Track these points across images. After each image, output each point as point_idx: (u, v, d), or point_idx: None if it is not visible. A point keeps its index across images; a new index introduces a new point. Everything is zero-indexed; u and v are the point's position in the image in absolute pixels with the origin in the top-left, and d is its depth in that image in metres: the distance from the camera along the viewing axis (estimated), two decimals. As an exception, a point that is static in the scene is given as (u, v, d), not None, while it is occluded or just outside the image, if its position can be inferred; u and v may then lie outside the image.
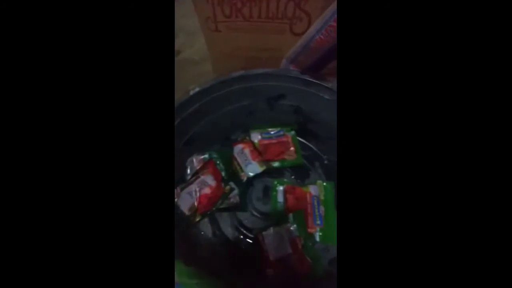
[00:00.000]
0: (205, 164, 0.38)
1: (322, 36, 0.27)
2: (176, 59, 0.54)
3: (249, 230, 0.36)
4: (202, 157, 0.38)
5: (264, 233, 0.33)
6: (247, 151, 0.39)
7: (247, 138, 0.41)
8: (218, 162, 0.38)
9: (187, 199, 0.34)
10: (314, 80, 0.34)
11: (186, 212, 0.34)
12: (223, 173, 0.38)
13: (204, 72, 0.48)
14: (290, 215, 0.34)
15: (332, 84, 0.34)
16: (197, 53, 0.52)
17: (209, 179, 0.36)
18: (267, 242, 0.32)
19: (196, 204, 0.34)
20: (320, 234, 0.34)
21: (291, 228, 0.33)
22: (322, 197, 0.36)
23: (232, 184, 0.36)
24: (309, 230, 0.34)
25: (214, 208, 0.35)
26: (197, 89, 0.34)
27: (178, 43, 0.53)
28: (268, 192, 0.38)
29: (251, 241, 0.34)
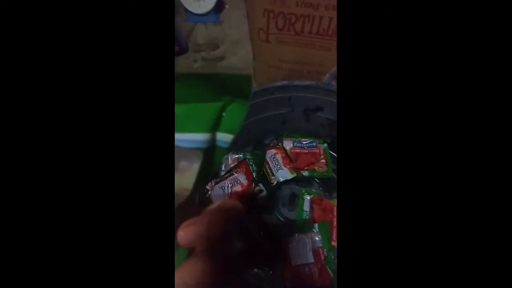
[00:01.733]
0: (239, 164, 0.40)
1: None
2: (218, 64, 0.58)
3: (272, 233, 0.37)
4: (237, 156, 0.41)
5: (289, 238, 0.33)
6: (279, 156, 0.40)
7: (280, 144, 0.43)
8: (251, 163, 0.40)
9: (219, 192, 0.37)
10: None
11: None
12: (254, 174, 0.40)
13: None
14: (316, 225, 0.34)
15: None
16: (240, 61, 0.55)
17: (242, 178, 0.38)
18: (290, 247, 0.33)
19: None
20: (344, 249, 0.34)
21: (316, 238, 0.33)
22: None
23: (261, 185, 0.38)
24: (333, 243, 0.34)
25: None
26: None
27: (223, 49, 0.57)
28: (294, 199, 0.39)
29: (274, 244, 0.35)
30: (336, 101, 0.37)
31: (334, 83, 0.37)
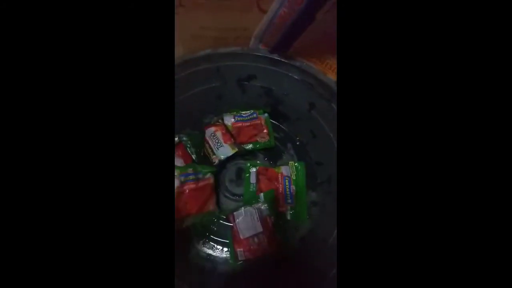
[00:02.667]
0: (175, 147, 0.37)
1: (285, 9, 0.26)
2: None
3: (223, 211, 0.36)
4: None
5: (235, 213, 0.33)
6: (219, 134, 0.38)
7: (220, 121, 0.41)
8: (188, 145, 0.38)
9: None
10: (282, 60, 0.34)
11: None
12: (193, 156, 0.37)
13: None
14: (261, 194, 0.34)
15: (301, 63, 0.34)
16: None
17: (179, 163, 0.35)
18: (237, 222, 0.32)
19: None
20: (291, 212, 0.35)
21: (262, 208, 0.33)
22: (293, 177, 0.37)
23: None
24: (280, 209, 0.35)
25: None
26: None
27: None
28: (241, 174, 0.38)
29: (224, 222, 0.35)
30: (269, 67, 0.35)
31: (262, 47, 0.35)
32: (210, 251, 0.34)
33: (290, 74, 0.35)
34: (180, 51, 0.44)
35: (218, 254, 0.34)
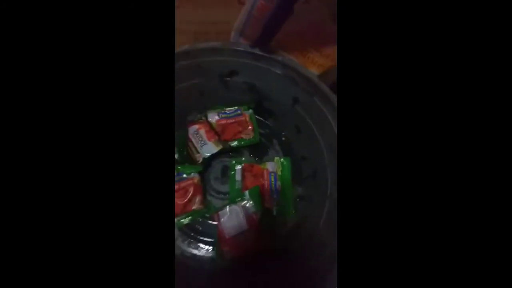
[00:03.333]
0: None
1: (263, 1, 0.25)
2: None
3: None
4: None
5: (220, 212, 0.32)
6: (202, 131, 0.38)
7: (204, 118, 0.40)
8: (171, 144, 0.37)
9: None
10: (264, 54, 0.33)
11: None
12: (176, 156, 0.36)
13: None
14: (246, 192, 0.34)
15: (283, 57, 0.33)
16: None
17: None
18: (222, 221, 0.32)
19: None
20: (277, 208, 0.35)
21: (247, 205, 0.33)
22: (279, 173, 0.37)
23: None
24: (266, 205, 0.34)
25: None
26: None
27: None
28: (226, 172, 0.38)
29: (209, 221, 0.34)
30: (251, 62, 0.35)
31: (242, 41, 0.34)
32: (195, 251, 0.33)
33: (272, 69, 0.34)
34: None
35: (203, 254, 0.33)
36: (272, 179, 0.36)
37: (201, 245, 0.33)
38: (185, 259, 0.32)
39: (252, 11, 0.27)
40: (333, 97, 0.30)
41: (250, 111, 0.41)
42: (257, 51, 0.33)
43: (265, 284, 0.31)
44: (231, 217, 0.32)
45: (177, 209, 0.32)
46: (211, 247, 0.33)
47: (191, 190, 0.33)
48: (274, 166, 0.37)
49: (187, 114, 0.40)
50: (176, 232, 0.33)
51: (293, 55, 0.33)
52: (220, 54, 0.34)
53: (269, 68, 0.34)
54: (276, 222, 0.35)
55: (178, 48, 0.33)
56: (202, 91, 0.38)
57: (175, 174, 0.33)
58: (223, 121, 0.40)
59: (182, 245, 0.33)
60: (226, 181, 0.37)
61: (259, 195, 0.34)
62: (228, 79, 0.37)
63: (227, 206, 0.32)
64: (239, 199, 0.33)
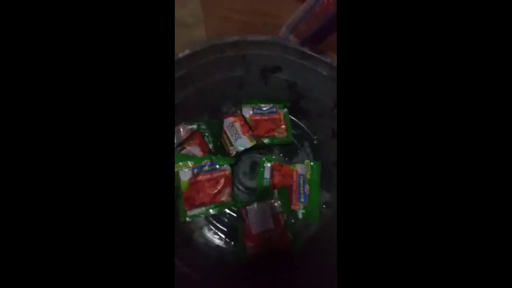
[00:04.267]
0: (192, 135, 0.36)
1: (325, 0, 0.24)
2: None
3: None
4: (190, 127, 0.36)
5: (248, 207, 0.32)
6: (237, 125, 0.37)
7: (238, 112, 0.39)
8: (206, 134, 0.37)
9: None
10: (313, 54, 0.32)
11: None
12: (210, 146, 0.36)
13: (199, 37, 0.44)
14: (275, 191, 0.34)
15: (331, 59, 0.32)
16: (191, 14, 0.47)
17: (196, 151, 0.35)
18: (250, 217, 0.32)
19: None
20: (303, 211, 0.35)
21: (275, 204, 0.33)
22: (308, 176, 0.36)
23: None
24: (292, 207, 0.34)
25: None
26: (186, 52, 0.31)
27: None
28: (255, 168, 0.37)
29: (234, 215, 0.34)
30: (297, 60, 0.34)
31: (292, 38, 0.33)
32: (219, 242, 0.34)
33: (318, 70, 0.33)
34: (203, 33, 0.43)
35: (226, 246, 0.34)
36: (301, 182, 0.36)
37: (224, 237, 0.34)
38: (209, 249, 0.33)
39: (315, 7, 0.26)
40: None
41: (285, 110, 0.40)
42: (306, 49, 0.32)
43: (277, 285, 0.31)
44: (259, 214, 0.32)
45: (206, 198, 0.32)
46: (233, 241, 0.34)
47: (222, 181, 0.33)
48: (303, 169, 0.37)
49: (222, 105, 0.40)
50: (203, 221, 0.34)
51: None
52: (268, 48, 0.33)
53: (314, 68, 0.33)
54: (300, 225, 0.34)
55: (225, 38, 0.32)
56: (241, 84, 0.38)
57: (209, 163, 0.33)
58: (257, 117, 0.40)
59: (207, 234, 0.34)
60: (254, 177, 0.37)
61: (288, 196, 0.34)
62: (269, 74, 0.36)
63: (256, 203, 0.33)
64: (267, 197, 0.33)
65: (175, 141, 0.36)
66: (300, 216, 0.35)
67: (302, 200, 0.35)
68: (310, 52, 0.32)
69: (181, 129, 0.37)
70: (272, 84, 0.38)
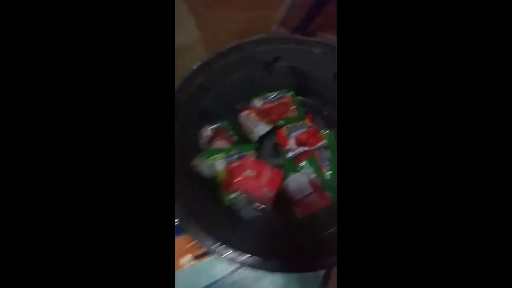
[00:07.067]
0: (216, 133, 0.41)
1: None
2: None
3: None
4: (213, 126, 0.41)
5: (286, 180, 0.37)
6: (252, 115, 0.42)
7: (251, 105, 0.44)
8: (228, 129, 0.41)
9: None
10: (304, 37, 0.37)
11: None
12: (235, 138, 0.41)
13: (201, 53, 0.49)
14: (305, 161, 0.38)
15: (322, 38, 0.37)
16: (189, 35, 0.52)
17: (224, 145, 0.39)
18: (291, 186, 0.36)
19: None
20: (330, 172, 0.39)
21: (308, 171, 0.37)
22: (327, 144, 0.41)
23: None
24: (321, 170, 0.39)
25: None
26: (199, 63, 0.37)
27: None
28: (277, 148, 0.42)
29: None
30: (293, 47, 0.39)
31: (283, 30, 0.38)
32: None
33: (312, 50, 0.38)
34: (204, 47, 0.47)
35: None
36: (322, 149, 0.40)
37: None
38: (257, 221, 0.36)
39: (296, 1, 0.31)
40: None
41: (291, 92, 0.45)
42: (298, 36, 0.37)
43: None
44: (297, 182, 0.36)
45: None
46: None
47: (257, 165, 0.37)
48: (321, 138, 0.41)
49: (236, 103, 0.45)
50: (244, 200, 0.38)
51: (329, 33, 0.37)
52: (267, 43, 0.38)
53: (309, 49, 0.39)
54: (332, 185, 0.39)
55: (227, 45, 0.37)
56: (251, 80, 0.43)
57: (237, 152, 0.38)
58: (268, 105, 0.44)
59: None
60: (279, 155, 0.41)
61: (316, 162, 0.38)
62: (271, 65, 0.42)
63: (291, 175, 0.37)
64: (297, 168, 0.38)
65: (201, 142, 0.40)
66: (329, 177, 0.39)
67: (327, 163, 0.39)
68: (302, 38, 0.37)
69: (207, 130, 0.41)
70: (276, 73, 0.43)
